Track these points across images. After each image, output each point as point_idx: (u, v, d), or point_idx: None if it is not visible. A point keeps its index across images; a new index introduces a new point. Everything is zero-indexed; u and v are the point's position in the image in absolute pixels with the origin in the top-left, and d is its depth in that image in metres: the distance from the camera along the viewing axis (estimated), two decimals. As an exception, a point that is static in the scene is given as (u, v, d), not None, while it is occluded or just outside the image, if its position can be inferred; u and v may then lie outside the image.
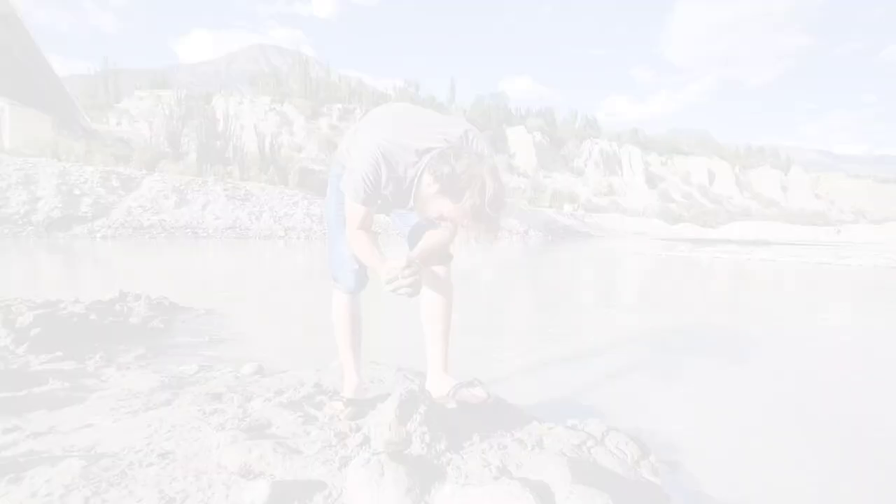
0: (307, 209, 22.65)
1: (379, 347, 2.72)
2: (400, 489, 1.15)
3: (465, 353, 2.88)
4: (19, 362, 2.40)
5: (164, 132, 33.43)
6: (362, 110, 72.64)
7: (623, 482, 1.43)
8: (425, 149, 1.42)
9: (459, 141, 1.46)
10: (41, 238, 14.42)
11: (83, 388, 2.01)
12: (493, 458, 1.37)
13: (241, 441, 1.36)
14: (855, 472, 1.72)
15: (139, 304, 3.78)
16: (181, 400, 1.90)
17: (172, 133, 33.39)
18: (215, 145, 32.24)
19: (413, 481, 1.19)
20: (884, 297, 7.15)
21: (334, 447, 1.41)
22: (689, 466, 1.67)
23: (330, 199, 1.80)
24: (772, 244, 26.56)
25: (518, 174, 68.17)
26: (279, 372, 2.52)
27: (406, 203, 1.51)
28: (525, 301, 6.11)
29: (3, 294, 3.68)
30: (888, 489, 1.62)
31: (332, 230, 1.80)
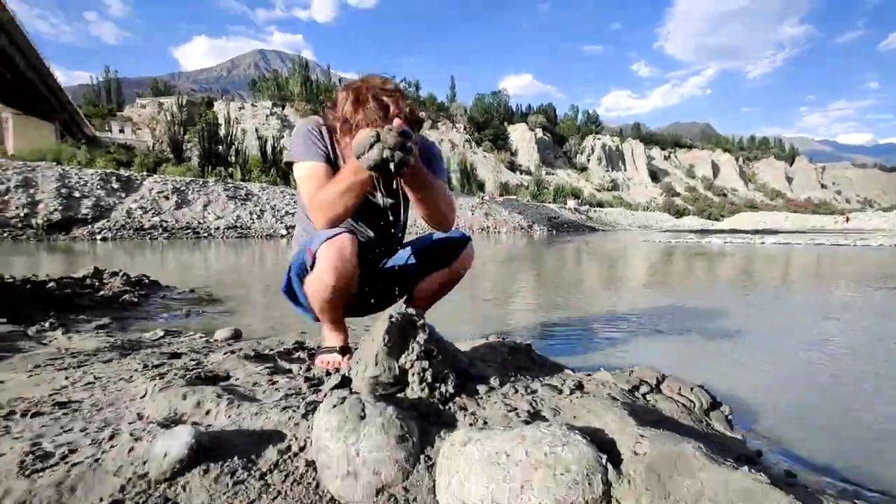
0: (309, 208, 22.37)
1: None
2: (389, 437, 0.79)
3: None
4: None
5: (167, 138, 33.39)
6: (363, 112, 72.16)
7: (696, 435, 1.06)
8: None
9: None
10: (41, 241, 14.20)
11: (13, 348, 1.65)
12: (520, 403, 1.00)
13: (177, 388, 1.00)
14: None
15: (115, 279, 3.44)
16: (129, 358, 1.55)
17: (175, 138, 33.32)
18: (217, 149, 32.13)
19: (408, 427, 0.82)
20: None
21: (303, 393, 1.04)
22: (768, 422, 1.29)
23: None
24: (779, 233, 25.92)
25: (520, 171, 67.69)
26: (260, 338, 2.17)
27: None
28: (553, 278, 5.72)
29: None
30: None
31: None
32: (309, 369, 1.34)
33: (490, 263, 7.35)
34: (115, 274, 3.64)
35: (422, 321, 1.04)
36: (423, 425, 0.87)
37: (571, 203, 50.04)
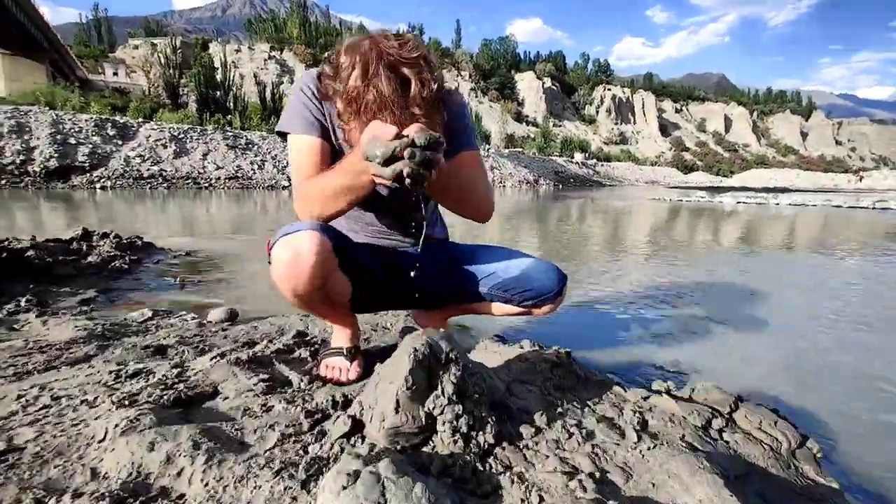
0: (311, 159, 21.83)
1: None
2: (418, 530, 0.58)
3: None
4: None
5: (162, 82, 32.18)
6: (366, 57, 69.05)
7: (785, 488, 0.86)
8: None
9: None
10: (40, 189, 13.92)
11: (-26, 340, 1.45)
12: (580, 458, 0.79)
13: (145, 430, 0.79)
14: None
15: (104, 242, 3.22)
16: (104, 356, 1.35)
17: (170, 83, 32.02)
18: (215, 95, 30.94)
19: (442, 511, 0.61)
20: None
21: (302, 437, 0.83)
22: (853, 452, 1.09)
23: None
24: (792, 191, 25.27)
25: (527, 122, 65.71)
26: (256, 319, 1.97)
27: None
28: (570, 243, 5.48)
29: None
30: None
31: None
32: (311, 381, 1.13)
33: (493, 224, 7.07)
34: (105, 235, 3.41)
35: (453, 352, 0.81)
36: (461, 498, 0.67)
37: (579, 157, 48.85)
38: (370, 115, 0.88)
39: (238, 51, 56.51)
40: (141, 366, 1.21)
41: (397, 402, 0.75)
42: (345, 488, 0.60)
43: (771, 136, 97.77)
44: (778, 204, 13.15)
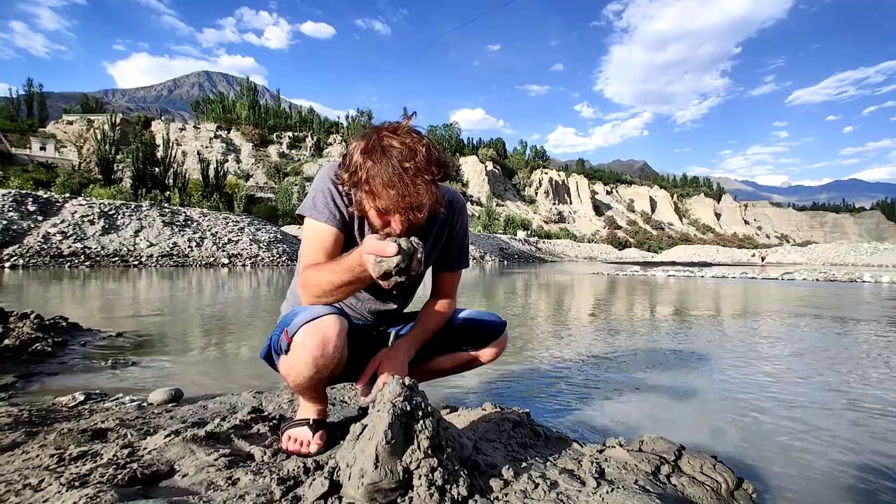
0: (254, 235, 21.37)
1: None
2: (404, 581, 0.60)
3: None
4: None
5: (96, 157, 31.13)
6: (313, 139, 71.51)
7: (728, 526, 0.94)
8: None
9: None
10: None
11: None
12: (547, 505, 0.84)
13: (105, 505, 0.76)
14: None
15: (23, 324, 2.95)
16: (37, 442, 1.24)
17: (105, 158, 31.05)
18: (153, 171, 30.24)
19: (425, 562, 0.63)
20: (859, 302, 7.30)
21: (277, 504, 0.82)
22: (783, 492, 1.21)
23: None
24: (713, 265, 27.86)
25: (472, 202, 69.09)
26: (205, 398, 1.87)
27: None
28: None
29: None
30: None
31: None
32: (275, 454, 1.11)
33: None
34: (24, 316, 3.13)
35: (429, 406, 0.86)
36: (439, 551, 0.69)
37: (521, 234, 51.44)
38: (369, 186, 1.00)
39: (182, 129, 56.45)
40: (84, 448, 1.13)
41: (377, 456, 0.78)
42: (331, 542, 0.62)
43: (691, 215, 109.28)
44: (703, 277, 14.39)
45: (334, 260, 1.06)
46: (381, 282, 0.93)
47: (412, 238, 0.95)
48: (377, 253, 0.91)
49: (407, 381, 0.88)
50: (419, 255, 0.93)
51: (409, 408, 0.83)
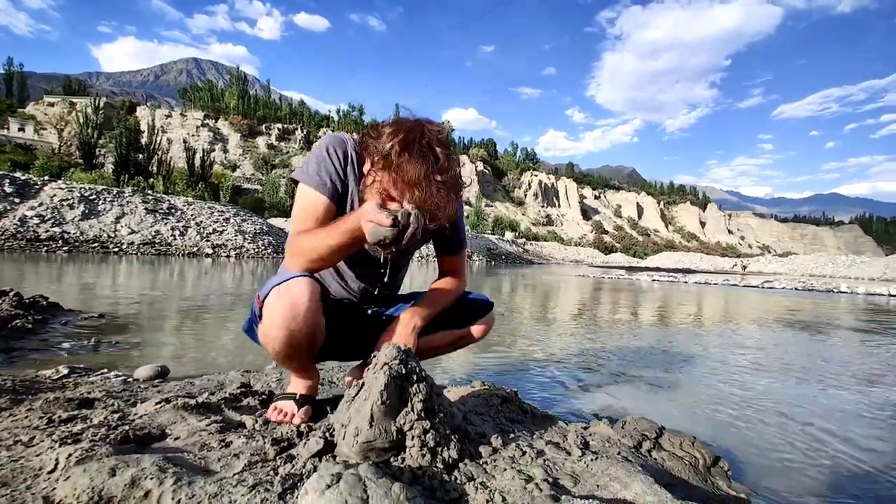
0: (239, 225, 21.09)
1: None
2: (398, 526, 0.62)
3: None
4: None
5: (77, 140, 30.38)
6: (303, 131, 70.77)
7: (703, 496, 0.99)
8: None
9: None
10: None
11: None
12: (534, 470, 0.87)
13: (103, 458, 0.77)
14: None
15: (2, 300, 2.89)
16: (25, 407, 1.23)
17: (87, 141, 30.28)
18: (137, 158, 29.58)
19: (418, 511, 0.66)
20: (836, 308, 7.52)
21: (269, 462, 0.84)
22: (762, 473, 1.26)
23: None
24: (696, 272, 28.33)
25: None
26: (192, 376, 1.86)
27: None
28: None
29: None
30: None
31: None
32: (266, 423, 1.12)
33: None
34: (3, 294, 3.07)
35: (423, 371, 0.89)
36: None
37: (509, 235, 51.69)
38: (401, 175, 1.01)
39: (169, 116, 55.39)
40: (74, 413, 1.12)
41: (372, 416, 0.80)
42: (329, 487, 0.64)
43: (676, 223, 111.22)
44: (686, 283, 14.66)
45: (332, 224, 1.07)
46: (375, 248, 0.95)
47: (413, 211, 0.96)
48: (376, 222, 0.93)
49: (402, 346, 0.90)
50: (413, 230, 0.94)
51: (404, 371, 0.85)
